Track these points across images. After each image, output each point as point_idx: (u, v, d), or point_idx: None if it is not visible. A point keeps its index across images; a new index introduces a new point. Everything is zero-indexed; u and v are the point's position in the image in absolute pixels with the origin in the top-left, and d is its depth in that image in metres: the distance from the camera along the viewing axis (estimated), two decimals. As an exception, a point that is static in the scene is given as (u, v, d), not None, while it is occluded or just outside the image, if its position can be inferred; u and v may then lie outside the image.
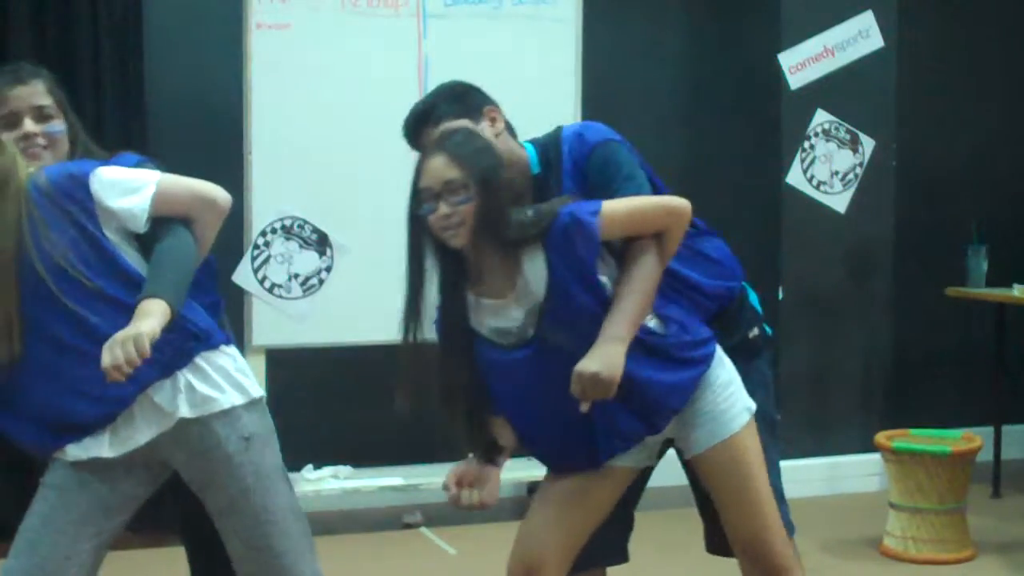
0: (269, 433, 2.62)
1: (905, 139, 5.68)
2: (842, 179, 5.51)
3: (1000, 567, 4.49)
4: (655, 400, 2.60)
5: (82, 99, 4.63)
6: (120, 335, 2.33)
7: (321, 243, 4.78)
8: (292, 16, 4.69)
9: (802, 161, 5.46)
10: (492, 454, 2.66)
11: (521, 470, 2.89)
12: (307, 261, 4.77)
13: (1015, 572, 4.44)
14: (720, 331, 2.78)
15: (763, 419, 2.77)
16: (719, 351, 2.70)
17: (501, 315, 2.56)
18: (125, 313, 2.39)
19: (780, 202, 5.50)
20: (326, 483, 4.99)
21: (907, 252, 5.77)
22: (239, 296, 4.66)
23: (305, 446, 4.80)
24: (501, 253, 2.53)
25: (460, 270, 2.57)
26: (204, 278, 2.69)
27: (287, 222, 4.74)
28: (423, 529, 5.02)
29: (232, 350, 2.61)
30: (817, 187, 5.48)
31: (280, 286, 4.75)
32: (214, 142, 4.87)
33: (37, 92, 2.76)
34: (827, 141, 5.48)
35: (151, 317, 2.36)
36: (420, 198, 2.53)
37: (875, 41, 5.48)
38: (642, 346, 2.55)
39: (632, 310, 2.52)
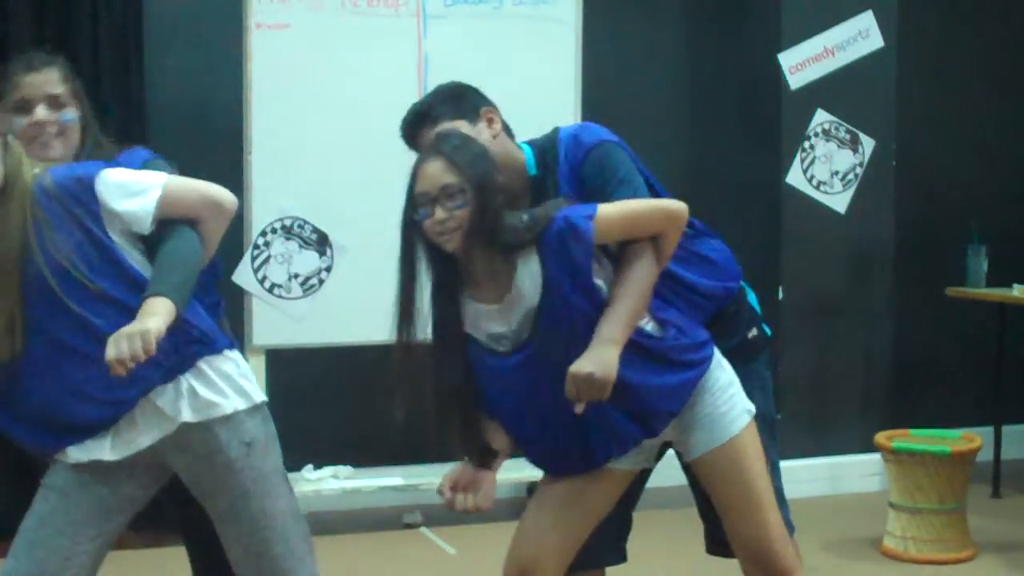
0: (271, 438, 2.62)
1: (905, 139, 5.68)
2: (842, 179, 5.51)
3: (1000, 567, 4.49)
4: (652, 403, 2.60)
5: (82, 99, 4.63)
6: (127, 329, 2.32)
7: (321, 243, 4.78)
8: (292, 16, 4.69)
9: (802, 161, 5.46)
10: (486, 459, 2.66)
11: (520, 471, 2.89)
12: (307, 261, 4.77)
13: (1015, 572, 4.44)
14: (719, 332, 2.78)
15: (762, 419, 2.77)
16: (717, 354, 2.70)
17: (496, 319, 2.56)
18: (128, 316, 2.38)
19: (780, 202, 5.50)
20: (326, 483, 4.99)
21: (907, 252, 5.77)
22: (239, 296, 4.66)
23: (305, 446, 4.80)
24: (496, 258, 2.53)
25: (454, 274, 2.57)
26: (206, 279, 2.69)
27: (287, 222, 4.74)
28: (423, 529, 5.02)
29: (235, 354, 2.61)
30: (817, 187, 5.48)
31: (280, 286, 4.75)
32: (214, 142, 4.87)
33: (51, 80, 2.75)
34: (827, 141, 5.48)
35: (157, 316, 2.35)
36: (416, 202, 2.53)
37: (875, 41, 5.48)
38: (639, 349, 2.55)
39: (626, 312, 2.52)
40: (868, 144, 5.52)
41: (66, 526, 2.51)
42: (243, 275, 4.69)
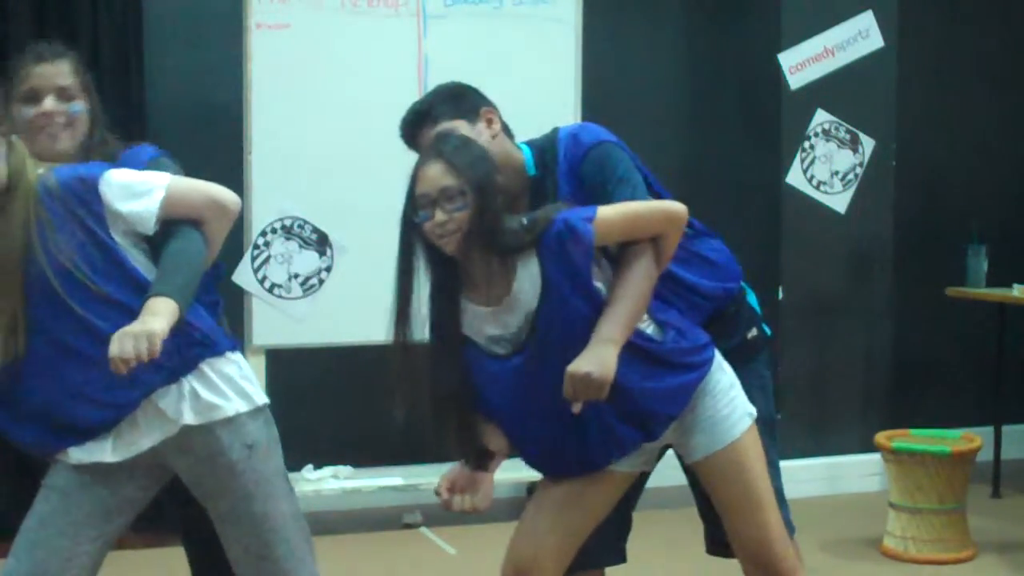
0: (272, 440, 2.62)
1: (905, 139, 5.68)
2: (842, 179, 5.50)
3: (1000, 567, 4.49)
4: (651, 407, 2.60)
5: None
6: (132, 328, 2.32)
7: (321, 243, 4.78)
8: (292, 16, 4.69)
9: (802, 161, 5.46)
10: (482, 461, 2.65)
11: (520, 471, 2.89)
12: (307, 261, 4.77)
13: (1015, 572, 4.44)
14: (719, 332, 2.77)
15: (762, 420, 2.76)
16: (718, 356, 2.69)
17: (495, 322, 2.56)
18: (131, 318, 2.37)
19: (780, 202, 5.50)
20: (326, 483, 4.99)
21: (907, 252, 5.77)
22: (239, 296, 4.66)
23: (305, 446, 4.80)
24: (495, 260, 2.53)
25: (454, 277, 2.57)
26: (207, 279, 2.68)
27: (287, 222, 4.74)
28: (423, 529, 5.02)
29: (237, 356, 2.60)
30: (817, 187, 5.48)
31: (280, 286, 4.75)
32: (214, 142, 4.87)
33: (61, 72, 2.74)
34: (827, 141, 5.48)
35: (161, 316, 2.35)
36: (416, 204, 2.53)
37: (875, 41, 5.47)
38: (639, 352, 2.55)
39: (625, 312, 2.51)
40: (868, 144, 5.51)
41: (67, 527, 2.50)
42: (243, 275, 4.69)
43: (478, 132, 2.73)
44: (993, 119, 6.11)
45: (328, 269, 4.79)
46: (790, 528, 2.84)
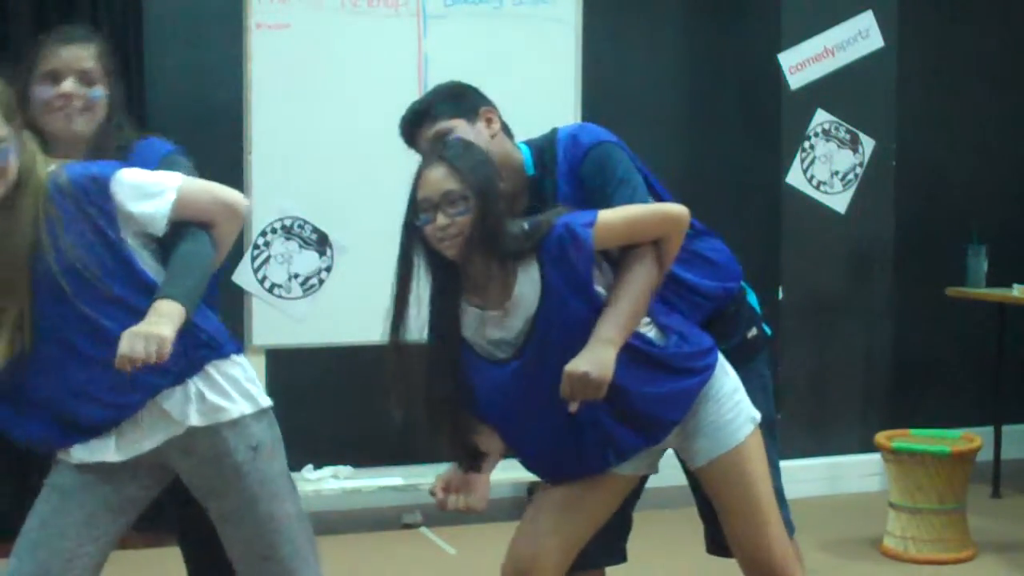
0: (276, 442, 2.61)
1: (905, 139, 5.68)
2: (842, 179, 5.51)
3: (1000, 567, 4.49)
4: (653, 412, 2.59)
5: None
6: (143, 329, 2.31)
7: (321, 243, 4.78)
8: (292, 16, 4.69)
9: (802, 161, 5.46)
10: (475, 462, 2.65)
11: (521, 471, 2.89)
12: (307, 261, 4.77)
13: (1015, 572, 4.44)
14: (719, 332, 2.77)
15: (762, 420, 2.76)
16: (722, 360, 2.69)
17: (496, 326, 2.56)
18: (137, 318, 2.36)
19: (780, 202, 5.50)
20: (326, 483, 4.99)
21: (907, 252, 5.77)
22: (239, 296, 4.66)
23: (305, 446, 4.79)
24: (496, 265, 2.52)
25: (455, 281, 2.57)
26: (211, 279, 2.68)
27: (287, 222, 4.74)
28: (423, 529, 5.02)
29: (242, 359, 2.60)
30: (817, 187, 5.48)
31: (280, 286, 4.75)
32: (214, 142, 4.85)
33: (83, 56, 2.70)
34: (827, 141, 5.48)
35: (169, 319, 2.34)
36: (418, 208, 2.53)
37: (875, 41, 5.47)
38: (640, 356, 2.55)
39: (624, 313, 2.51)
40: (868, 144, 5.52)
41: (69, 527, 2.50)
42: (243, 275, 4.69)
43: (477, 132, 2.73)
44: (993, 119, 6.11)
45: (328, 269, 4.79)
46: (790, 528, 2.84)
